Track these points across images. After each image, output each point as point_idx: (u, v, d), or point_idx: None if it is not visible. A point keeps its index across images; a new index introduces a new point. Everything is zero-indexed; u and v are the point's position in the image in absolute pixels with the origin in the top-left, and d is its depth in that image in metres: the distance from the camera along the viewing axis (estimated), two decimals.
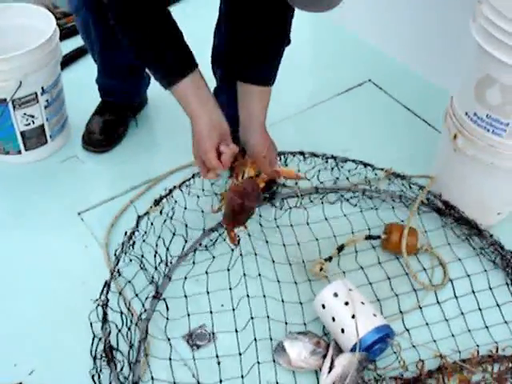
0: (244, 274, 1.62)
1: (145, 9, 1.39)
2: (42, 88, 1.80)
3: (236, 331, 1.51)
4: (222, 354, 1.46)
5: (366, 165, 1.89)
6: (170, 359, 1.44)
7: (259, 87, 1.58)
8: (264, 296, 1.58)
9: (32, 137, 1.88)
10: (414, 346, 1.49)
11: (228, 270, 1.63)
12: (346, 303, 1.45)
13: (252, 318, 1.53)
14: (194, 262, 1.65)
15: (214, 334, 1.51)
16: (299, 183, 1.84)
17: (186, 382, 1.42)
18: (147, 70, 1.57)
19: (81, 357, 1.42)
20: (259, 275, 1.62)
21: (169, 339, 1.48)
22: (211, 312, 1.55)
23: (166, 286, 1.59)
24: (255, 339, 1.48)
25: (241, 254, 1.66)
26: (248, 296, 1.57)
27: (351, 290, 1.50)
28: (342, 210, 1.81)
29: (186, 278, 1.62)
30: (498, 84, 1.50)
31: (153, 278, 1.58)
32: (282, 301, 1.58)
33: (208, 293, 1.59)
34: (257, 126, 1.61)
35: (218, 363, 1.45)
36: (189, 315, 1.53)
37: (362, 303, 1.47)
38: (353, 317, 1.42)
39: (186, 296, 1.57)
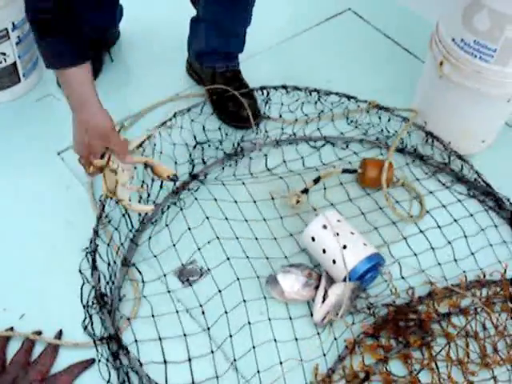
0: (226, 218, 1.60)
1: None
2: (13, 23, 1.72)
3: (228, 259, 1.51)
4: (213, 290, 1.46)
5: (349, 97, 1.87)
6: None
7: None
8: (237, 238, 1.56)
9: (4, 76, 1.80)
10: (402, 278, 1.51)
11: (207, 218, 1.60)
12: (336, 234, 1.45)
13: (228, 258, 1.52)
14: (176, 205, 1.63)
15: (207, 269, 1.50)
16: (284, 115, 1.83)
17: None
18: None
19: (71, 299, 1.41)
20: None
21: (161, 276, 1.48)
22: (199, 249, 1.54)
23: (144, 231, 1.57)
24: (238, 279, 1.48)
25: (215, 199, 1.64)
26: (237, 238, 1.56)
27: (339, 221, 1.50)
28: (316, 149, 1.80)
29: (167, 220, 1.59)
30: (486, 9, 1.47)
31: (132, 226, 1.55)
32: (256, 238, 1.57)
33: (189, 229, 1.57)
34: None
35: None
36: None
37: (352, 233, 1.47)
38: (344, 247, 1.43)
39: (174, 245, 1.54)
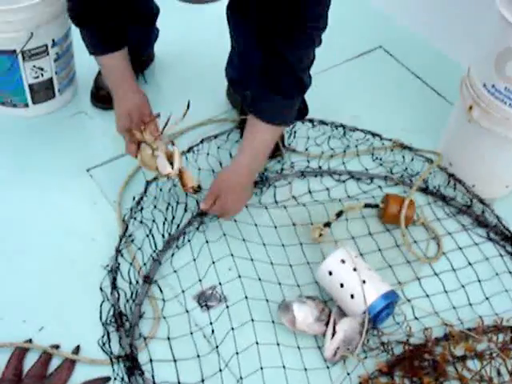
0: (244, 239, 1.63)
1: None
2: (53, 40, 1.76)
3: (246, 297, 1.52)
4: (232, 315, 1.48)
5: (374, 135, 1.90)
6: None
7: (257, 122, 1.51)
8: (252, 259, 1.59)
9: (40, 90, 1.84)
10: (416, 318, 1.51)
11: (224, 234, 1.63)
12: (354, 269, 1.46)
13: (240, 276, 1.55)
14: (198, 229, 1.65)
15: (224, 296, 1.52)
16: (309, 149, 1.85)
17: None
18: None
19: (90, 315, 1.44)
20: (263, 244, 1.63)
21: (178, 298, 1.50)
22: (213, 262, 1.57)
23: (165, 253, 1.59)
24: (246, 297, 1.51)
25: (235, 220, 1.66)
26: (252, 260, 1.59)
27: (356, 257, 1.51)
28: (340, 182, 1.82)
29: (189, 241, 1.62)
30: None
31: (156, 248, 1.58)
32: (271, 263, 1.59)
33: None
34: (232, 164, 1.59)
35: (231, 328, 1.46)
36: (200, 280, 1.54)
37: (369, 269, 1.48)
38: (364, 282, 1.43)
39: (194, 260, 1.58)
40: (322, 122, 1.91)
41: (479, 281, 1.61)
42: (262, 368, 1.39)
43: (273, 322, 1.47)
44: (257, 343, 1.43)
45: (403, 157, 1.87)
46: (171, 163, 1.52)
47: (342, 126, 1.91)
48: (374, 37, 2.32)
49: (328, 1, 1.39)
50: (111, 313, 1.43)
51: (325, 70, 2.13)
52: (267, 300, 1.51)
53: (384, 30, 2.35)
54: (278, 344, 1.44)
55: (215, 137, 1.84)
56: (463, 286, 1.59)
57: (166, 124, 1.53)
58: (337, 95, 2.07)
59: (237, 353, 1.40)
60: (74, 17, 1.55)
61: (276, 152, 1.79)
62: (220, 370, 1.38)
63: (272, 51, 1.43)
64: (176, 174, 1.53)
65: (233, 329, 1.44)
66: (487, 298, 1.57)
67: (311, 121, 1.89)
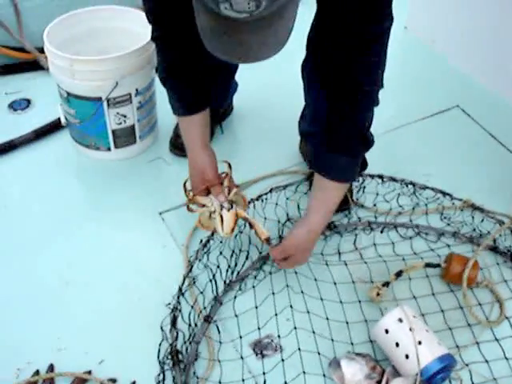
0: (302, 292, 1.65)
1: (184, 39, 1.50)
2: (137, 90, 1.87)
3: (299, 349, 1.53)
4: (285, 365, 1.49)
5: (444, 194, 1.89)
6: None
7: (325, 180, 1.53)
8: (308, 312, 1.60)
9: (122, 136, 1.95)
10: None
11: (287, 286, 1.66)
12: (411, 329, 1.44)
13: (295, 328, 1.56)
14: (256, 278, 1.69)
15: (280, 345, 1.53)
16: (378, 205, 1.86)
17: None
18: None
19: (148, 352, 1.49)
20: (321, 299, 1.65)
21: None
22: (276, 314, 1.59)
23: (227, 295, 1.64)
24: (299, 348, 1.52)
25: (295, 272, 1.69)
26: (308, 312, 1.60)
27: (415, 317, 1.49)
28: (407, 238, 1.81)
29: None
30: None
31: (217, 293, 1.62)
32: (327, 318, 1.60)
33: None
34: (302, 222, 1.60)
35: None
36: (259, 328, 1.56)
37: (427, 331, 1.47)
38: (419, 343, 1.42)
39: (256, 307, 1.61)
40: (392, 179, 1.91)
41: None
42: None
43: (324, 375, 1.47)
44: None
45: (472, 217, 1.84)
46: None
47: (411, 184, 1.90)
48: (451, 96, 2.32)
49: (385, 63, 1.43)
50: (168, 351, 1.48)
51: (400, 127, 2.15)
52: (319, 353, 1.51)
53: (462, 89, 2.35)
54: None
55: (284, 187, 1.87)
56: None
57: (229, 189, 1.61)
58: (410, 153, 2.08)
59: None
60: (162, 79, 1.63)
61: (344, 206, 1.82)
62: None
63: (340, 113, 1.47)
64: (228, 235, 1.59)
65: (286, 383, 1.45)
66: None
67: (381, 177, 1.90)
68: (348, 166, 1.54)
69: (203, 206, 1.61)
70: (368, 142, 1.54)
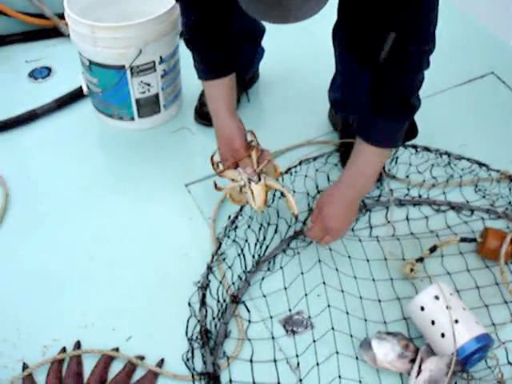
0: (336, 269, 1.60)
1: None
2: (161, 57, 1.81)
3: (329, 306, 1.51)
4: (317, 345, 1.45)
5: (480, 165, 1.82)
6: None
7: (364, 144, 1.47)
8: (342, 291, 1.56)
9: (146, 105, 1.90)
10: (510, 363, 1.42)
11: (319, 260, 1.61)
12: (447, 307, 1.39)
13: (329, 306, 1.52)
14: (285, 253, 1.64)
15: (311, 322, 1.49)
16: (410, 176, 1.80)
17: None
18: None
19: (177, 329, 1.46)
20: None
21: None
22: (306, 295, 1.54)
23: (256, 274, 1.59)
24: (332, 328, 1.48)
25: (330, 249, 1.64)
26: (343, 291, 1.56)
27: (451, 295, 1.44)
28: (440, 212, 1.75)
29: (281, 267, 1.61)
30: None
31: (246, 268, 1.58)
32: (360, 297, 1.55)
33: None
34: (336, 182, 1.55)
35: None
36: (290, 310, 1.52)
37: (464, 309, 1.41)
38: (456, 322, 1.37)
39: (285, 288, 1.56)
40: (426, 149, 1.84)
41: None
42: None
43: (356, 358, 1.43)
44: (339, 377, 1.39)
45: (510, 189, 1.77)
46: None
47: (446, 154, 1.84)
48: (485, 62, 2.23)
49: (436, 20, 1.35)
50: (197, 329, 1.44)
51: (432, 95, 2.06)
52: (351, 335, 1.47)
53: (497, 55, 2.26)
54: (359, 382, 1.39)
55: (314, 159, 1.82)
56: None
57: (258, 162, 1.55)
58: (443, 122, 2.00)
59: None
60: (186, 40, 1.57)
61: None
62: None
63: (383, 78, 1.40)
64: (261, 208, 1.54)
65: (318, 364, 1.41)
66: None
67: (414, 147, 1.83)
68: (392, 131, 1.47)
69: (232, 180, 1.56)
70: (413, 107, 1.45)
